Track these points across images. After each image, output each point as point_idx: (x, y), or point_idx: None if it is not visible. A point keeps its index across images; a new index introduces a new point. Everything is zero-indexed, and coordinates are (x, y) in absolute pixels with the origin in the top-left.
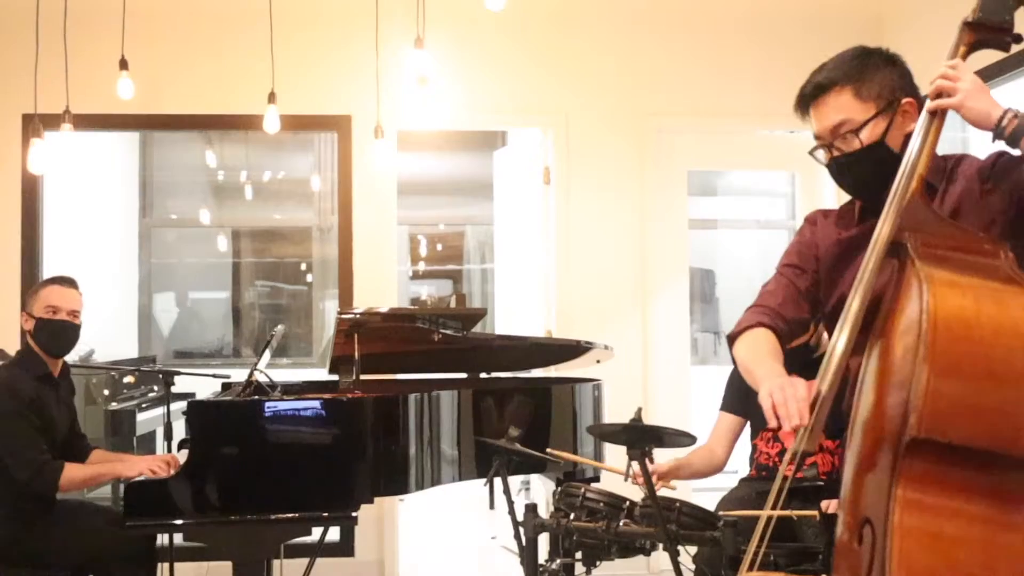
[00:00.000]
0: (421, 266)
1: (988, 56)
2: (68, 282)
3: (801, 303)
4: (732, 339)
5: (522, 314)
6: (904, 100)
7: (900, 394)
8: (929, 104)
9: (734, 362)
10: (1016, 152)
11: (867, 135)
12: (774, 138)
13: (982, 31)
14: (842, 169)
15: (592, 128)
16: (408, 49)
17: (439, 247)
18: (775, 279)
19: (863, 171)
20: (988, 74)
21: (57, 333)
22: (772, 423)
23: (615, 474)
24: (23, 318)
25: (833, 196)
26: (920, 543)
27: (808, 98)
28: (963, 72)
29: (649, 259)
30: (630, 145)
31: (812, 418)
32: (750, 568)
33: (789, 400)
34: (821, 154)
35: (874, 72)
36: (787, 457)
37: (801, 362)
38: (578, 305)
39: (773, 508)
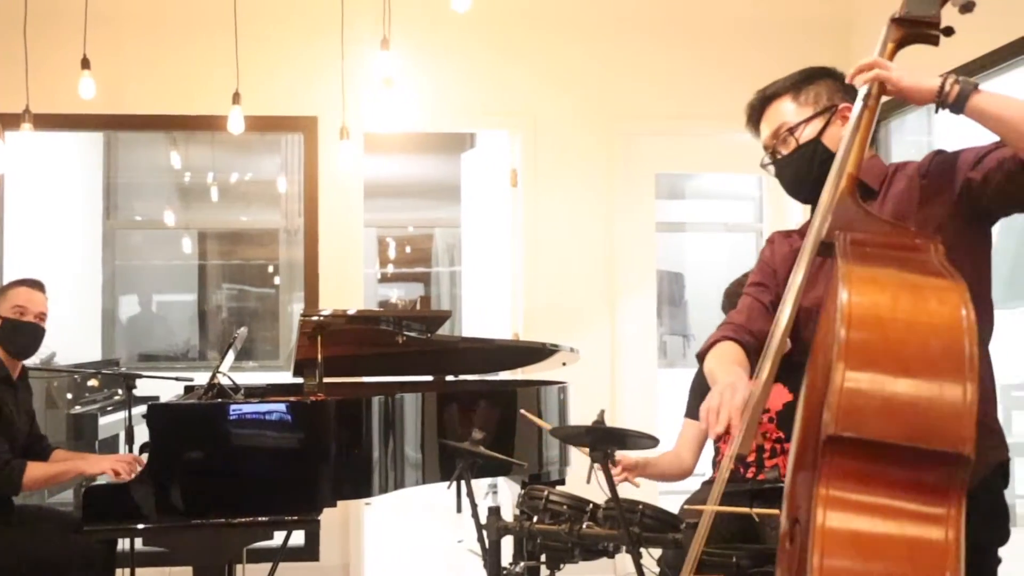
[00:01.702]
0: (390, 268)
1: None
2: (36, 285)
3: (766, 316)
4: (701, 357)
5: (490, 317)
6: (842, 105)
7: (821, 393)
8: (860, 77)
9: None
10: (962, 119)
11: (801, 133)
12: (742, 141)
13: (909, 26)
14: (781, 170)
15: (560, 130)
16: (374, 50)
17: (408, 250)
18: (741, 300)
19: (799, 169)
20: (983, 64)
21: (23, 334)
22: (702, 425)
23: (580, 477)
24: None
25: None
26: (842, 542)
27: (756, 111)
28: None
29: (616, 262)
30: (598, 147)
31: (743, 421)
32: (696, 569)
33: (723, 406)
34: (768, 161)
35: (814, 81)
36: (725, 459)
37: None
38: (545, 308)
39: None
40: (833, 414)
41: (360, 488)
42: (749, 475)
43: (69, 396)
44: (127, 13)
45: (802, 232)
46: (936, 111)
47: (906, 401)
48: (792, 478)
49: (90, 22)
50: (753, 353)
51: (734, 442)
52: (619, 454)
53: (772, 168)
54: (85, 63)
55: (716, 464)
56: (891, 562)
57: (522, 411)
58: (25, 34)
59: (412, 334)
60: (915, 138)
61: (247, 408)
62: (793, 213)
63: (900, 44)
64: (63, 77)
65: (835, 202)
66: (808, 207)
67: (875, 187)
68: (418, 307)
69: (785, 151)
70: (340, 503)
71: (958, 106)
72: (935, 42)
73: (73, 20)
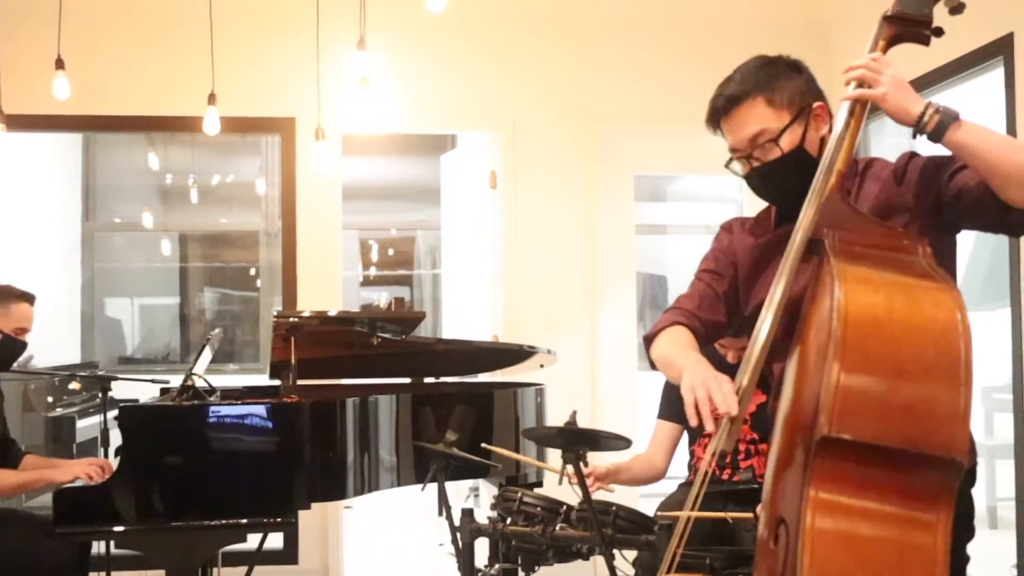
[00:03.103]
0: (372, 271)
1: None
2: (34, 300)
3: (718, 306)
4: (649, 340)
5: (470, 319)
6: (815, 104)
7: (813, 393)
8: (849, 93)
9: (652, 365)
10: (936, 148)
11: (786, 142)
12: (722, 143)
13: (901, 24)
14: (764, 178)
15: (539, 132)
16: (351, 50)
17: (390, 252)
18: (692, 285)
19: (786, 178)
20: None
21: (16, 352)
22: (693, 421)
23: (555, 478)
24: None
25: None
26: (832, 544)
27: (720, 112)
28: (884, 65)
29: (597, 264)
30: (577, 149)
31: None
32: (673, 570)
33: (715, 393)
34: (737, 166)
35: (783, 80)
36: (707, 456)
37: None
38: (525, 310)
39: (695, 508)
40: (828, 415)
41: (334, 490)
42: (724, 476)
43: (49, 399)
44: (102, 12)
45: (763, 225)
46: (914, 137)
47: (902, 404)
48: (775, 476)
49: (64, 21)
50: (702, 341)
51: (716, 440)
52: (590, 464)
53: (742, 172)
54: (59, 63)
55: (692, 467)
56: (880, 566)
57: (484, 446)
58: None
59: (387, 335)
60: (896, 140)
61: (219, 409)
62: None
63: (891, 42)
64: (37, 77)
65: (824, 199)
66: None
67: (848, 185)
68: (392, 308)
69: (768, 158)
70: (319, 506)
71: (935, 136)
72: (926, 42)
73: (47, 19)
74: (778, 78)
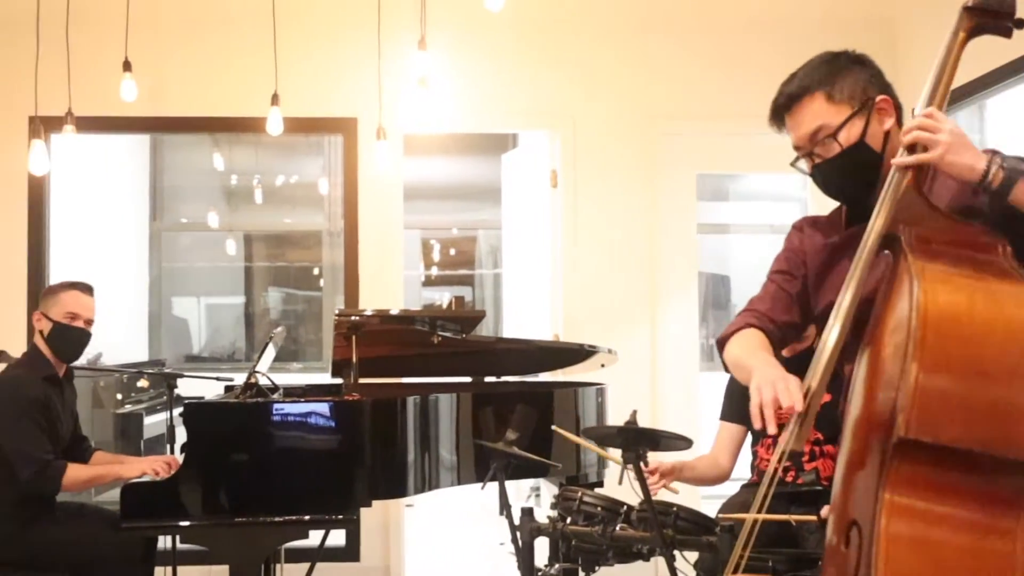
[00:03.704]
0: (434, 271)
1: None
2: (87, 289)
3: (791, 307)
4: (721, 343)
5: (530, 318)
6: (878, 98)
7: (889, 394)
8: (905, 159)
9: (725, 368)
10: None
11: (845, 137)
12: (785, 141)
13: (983, 15)
14: (825, 175)
15: (600, 131)
16: (411, 50)
17: (452, 252)
18: (764, 286)
19: (846, 174)
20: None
21: (73, 340)
22: (756, 423)
23: (616, 478)
24: (36, 317)
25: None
26: (907, 549)
27: (782, 109)
28: (940, 122)
29: (658, 263)
30: (638, 148)
31: (802, 413)
32: (738, 571)
33: (781, 392)
34: (803, 164)
35: (843, 74)
36: (775, 457)
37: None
38: (585, 309)
39: (761, 510)
40: (905, 417)
41: (395, 488)
42: (788, 478)
43: (118, 396)
44: (168, 16)
45: (834, 224)
46: (976, 194)
47: (983, 407)
48: (846, 480)
49: (131, 24)
50: (776, 343)
51: (786, 439)
52: (653, 460)
53: (807, 169)
54: (127, 66)
55: (755, 468)
56: (956, 572)
57: (554, 427)
58: (67, 37)
59: (447, 334)
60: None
61: (282, 407)
62: None
63: (972, 34)
64: (105, 80)
65: (900, 194)
66: None
67: (922, 182)
68: (452, 307)
69: (828, 155)
70: (381, 504)
71: (1002, 193)
72: (1008, 34)
73: (115, 23)
74: (839, 73)
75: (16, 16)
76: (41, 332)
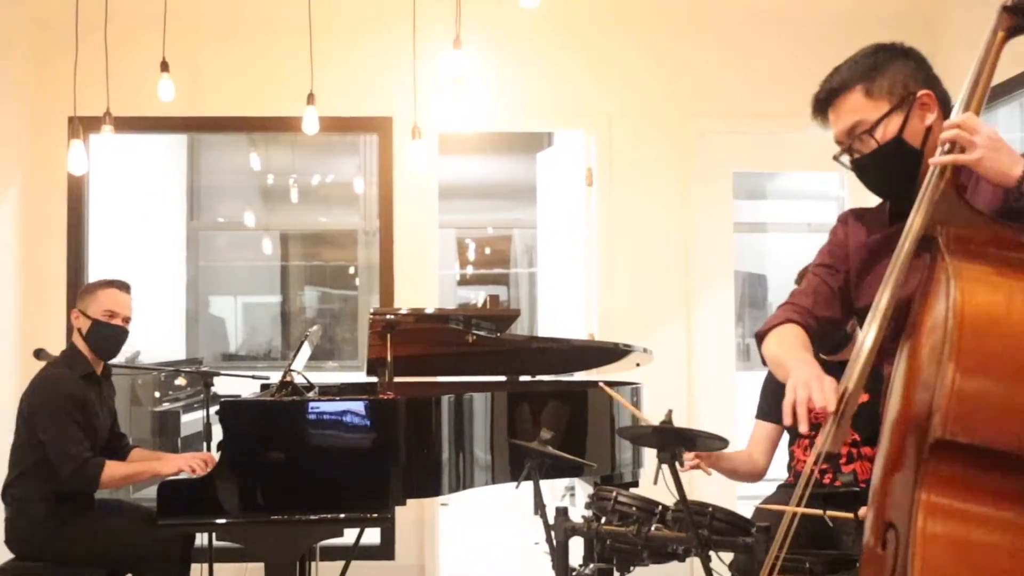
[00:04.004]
0: (469, 270)
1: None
2: (125, 287)
3: (833, 302)
4: (760, 337)
5: (565, 317)
6: (921, 92)
7: (925, 395)
8: (941, 158)
9: (764, 362)
10: None
11: (881, 133)
12: (823, 139)
13: (1022, 15)
14: (863, 171)
15: (635, 128)
16: (446, 49)
17: (487, 251)
18: (807, 279)
19: (882, 170)
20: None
21: (111, 338)
22: (787, 419)
23: (651, 477)
24: (74, 315)
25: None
26: (944, 550)
27: (823, 103)
28: (977, 125)
29: (693, 262)
30: (674, 146)
31: (838, 412)
32: (774, 572)
33: (815, 392)
34: (846, 159)
35: (885, 68)
36: (811, 458)
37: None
38: (621, 308)
39: (790, 511)
40: (942, 418)
41: (430, 487)
42: (825, 480)
43: (156, 394)
44: (205, 16)
45: (878, 219)
46: (1013, 200)
47: (1020, 407)
48: (883, 481)
49: (169, 25)
50: (816, 338)
51: (822, 440)
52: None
53: (848, 164)
54: (164, 66)
55: (791, 469)
56: (994, 573)
57: (600, 384)
58: (105, 37)
59: (482, 333)
60: (1008, 135)
61: (316, 405)
62: None
63: (1011, 34)
64: (143, 80)
65: (938, 195)
66: None
67: (965, 181)
68: (487, 306)
69: (865, 151)
70: (416, 502)
71: None
72: None
73: (152, 24)
74: (880, 67)
75: (55, 18)
76: (79, 330)
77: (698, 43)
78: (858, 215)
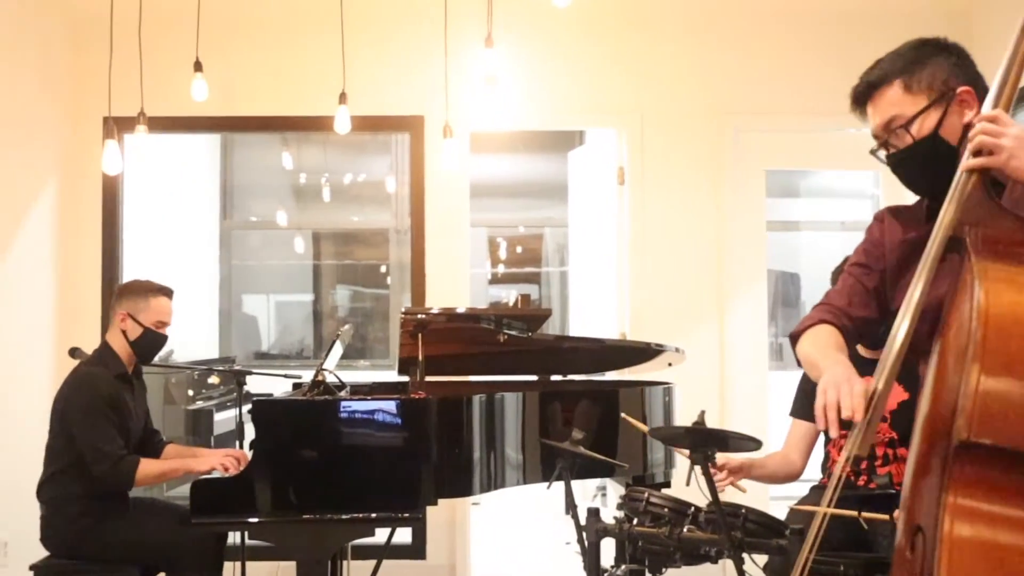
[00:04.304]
0: (500, 269)
1: None
2: (172, 295)
3: (869, 302)
4: (795, 337)
5: (597, 316)
6: (960, 89)
7: (951, 396)
8: (968, 162)
9: (798, 362)
10: None
11: (918, 129)
12: (858, 136)
13: None
14: (897, 166)
15: (667, 127)
16: (478, 48)
17: (519, 250)
18: (842, 279)
19: (917, 167)
20: None
21: (158, 346)
22: (820, 424)
23: (683, 478)
24: (122, 316)
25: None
26: (970, 553)
27: (862, 97)
28: (1004, 125)
29: (726, 261)
30: (706, 144)
31: (866, 417)
32: (807, 575)
33: (844, 396)
34: (882, 154)
35: (925, 63)
36: (840, 461)
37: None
38: (653, 307)
39: (828, 515)
40: (967, 419)
41: (461, 487)
42: (860, 482)
43: (189, 392)
44: (238, 16)
45: (915, 218)
46: None
47: None
48: (913, 483)
49: (202, 26)
50: (851, 339)
51: (850, 443)
52: (722, 457)
53: (884, 159)
54: (198, 66)
55: (826, 469)
56: None
57: (623, 415)
58: (140, 38)
59: (513, 333)
60: None
61: (348, 405)
62: None
63: None
64: (177, 80)
65: (966, 195)
66: None
67: (1004, 180)
68: (518, 305)
69: (900, 146)
70: (447, 502)
71: None
72: None
73: (186, 24)
74: (921, 62)
75: (90, 19)
76: (125, 332)
77: (730, 41)
78: (895, 213)
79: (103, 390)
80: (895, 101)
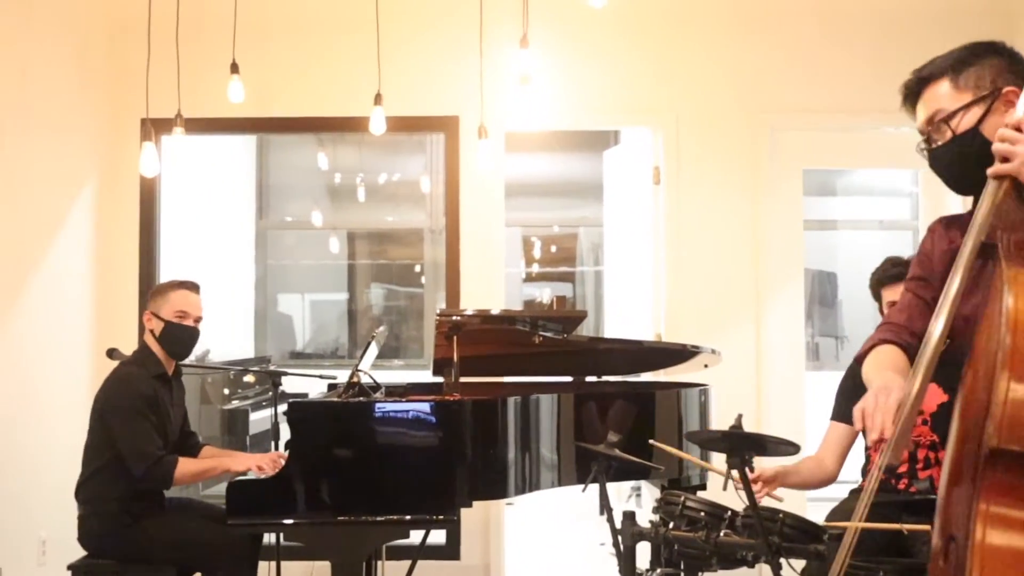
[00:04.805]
0: (535, 268)
1: None
2: (195, 287)
3: (928, 313)
4: (860, 360)
5: (632, 317)
6: (1007, 89)
7: (982, 403)
8: (993, 168)
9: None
10: None
11: (958, 123)
12: (896, 135)
13: None
14: (935, 161)
15: (703, 127)
16: (513, 48)
17: (553, 249)
18: (901, 296)
19: (954, 162)
20: None
21: (184, 338)
22: (857, 425)
23: (719, 481)
24: (147, 317)
25: (957, 197)
26: (1003, 561)
27: (913, 92)
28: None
29: (762, 261)
30: (742, 143)
31: (895, 429)
32: None
33: (878, 409)
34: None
35: (976, 61)
36: (874, 469)
37: None
38: (689, 308)
39: (861, 521)
40: (997, 426)
41: (495, 489)
42: (900, 486)
43: (226, 392)
44: (274, 19)
45: (963, 226)
46: None
47: None
48: (947, 491)
49: (239, 28)
50: (915, 355)
51: (884, 451)
52: (757, 467)
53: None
54: (234, 68)
55: (865, 472)
56: None
57: (652, 442)
58: (177, 41)
59: (548, 334)
60: None
61: (383, 406)
62: (951, 209)
63: None
64: (213, 82)
65: (998, 200)
66: (971, 198)
67: None
68: (554, 307)
69: (940, 140)
70: (481, 503)
71: None
72: None
73: (223, 27)
74: (971, 60)
75: (129, 22)
76: (152, 331)
77: (766, 40)
78: (946, 224)
79: (142, 390)
80: (941, 96)
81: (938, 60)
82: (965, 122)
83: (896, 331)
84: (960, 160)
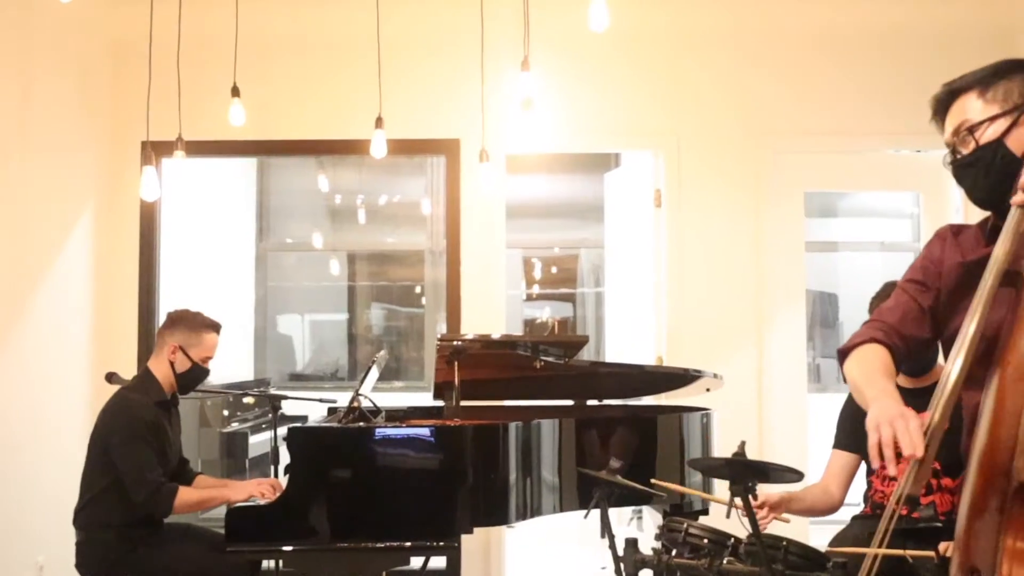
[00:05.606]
0: (536, 289)
1: None
2: (220, 329)
3: (922, 322)
4: (843, 354)
5: (633, 339)
6: None
7: (1010, 435)
8: (1013, 197)
9: (844, 379)
10: None
11: (982, 134)
12: (897, 157)
13: None
14: (958, 171)
15: (704, 149)
16: (515, 71)
17: (554, 270)
18: (895, 295)
19: (977, 173)
20: None
21: (200, 379)
22: (875, 462)
23: (722, 508)
24: (172, 348)
25: (960, 217)
26: None
27: (943, 105)
28: None
29: (764, 283)
30: (744, 166)
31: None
32: None
33: (901, 433)
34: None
35: (1006, 76)
36: (892, 500)
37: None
38: (690, 330)
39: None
40: None
41: (496, 515)
42: (903, 512)
43: (224, 414)
44: (275, 42)
45: (976, 239)
46: None
47: None
48: (968, 524)
49: (240, 51)
50: (900, 359)
51: (903, 482)
52: (762, 492)
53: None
54: (235, 91)
55: (868, 499)
56: None
57: (653, 480)
58: (178, 64)
59: (549, 359)
60: None
61: (384, 432)
62: None
63: None
64: (214, 105)
65: (1021, 230)
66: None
67: None
68: (555, 331)
69: (964, 151)
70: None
71: None
72: None
73: (224, 50)
74: (1001, 75)
75: (129, 45)
76: (173, 363)
77: (767, 63)
78: (957, 232)
79: (144, 416)
80: (968, 108)
81: (968, 74)
82: (989, 133)
83: (886, 331)
84: (985, 171)
